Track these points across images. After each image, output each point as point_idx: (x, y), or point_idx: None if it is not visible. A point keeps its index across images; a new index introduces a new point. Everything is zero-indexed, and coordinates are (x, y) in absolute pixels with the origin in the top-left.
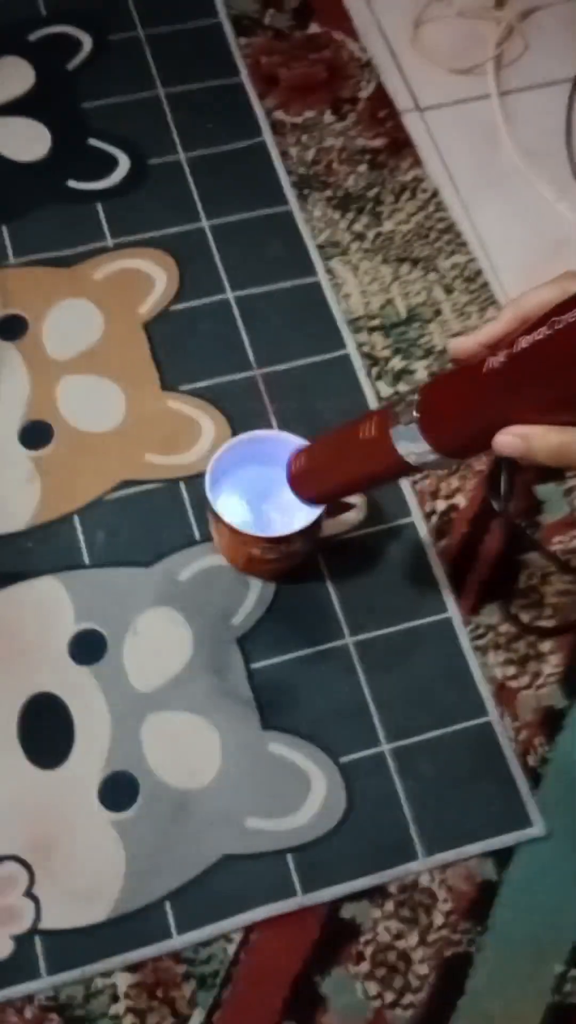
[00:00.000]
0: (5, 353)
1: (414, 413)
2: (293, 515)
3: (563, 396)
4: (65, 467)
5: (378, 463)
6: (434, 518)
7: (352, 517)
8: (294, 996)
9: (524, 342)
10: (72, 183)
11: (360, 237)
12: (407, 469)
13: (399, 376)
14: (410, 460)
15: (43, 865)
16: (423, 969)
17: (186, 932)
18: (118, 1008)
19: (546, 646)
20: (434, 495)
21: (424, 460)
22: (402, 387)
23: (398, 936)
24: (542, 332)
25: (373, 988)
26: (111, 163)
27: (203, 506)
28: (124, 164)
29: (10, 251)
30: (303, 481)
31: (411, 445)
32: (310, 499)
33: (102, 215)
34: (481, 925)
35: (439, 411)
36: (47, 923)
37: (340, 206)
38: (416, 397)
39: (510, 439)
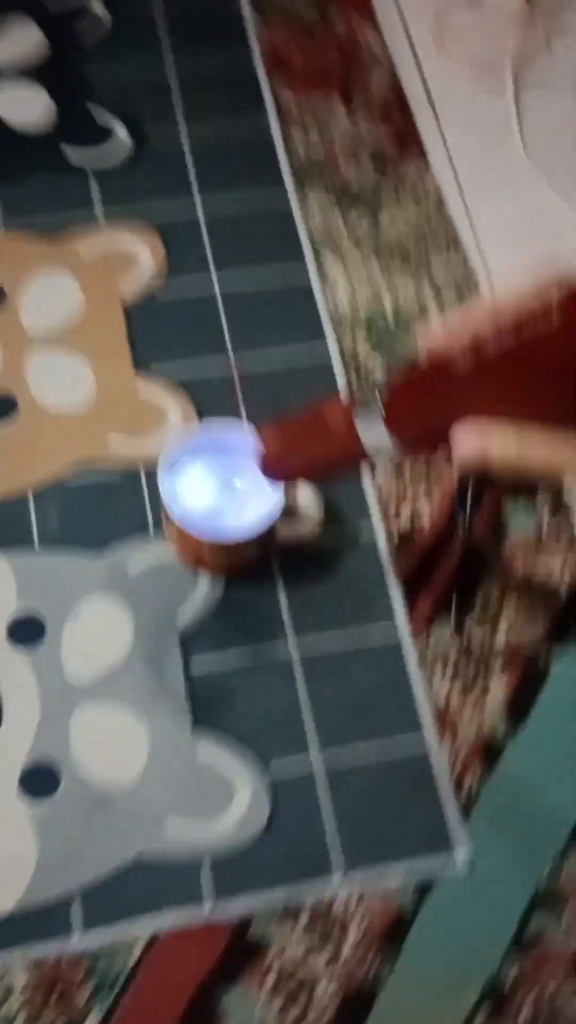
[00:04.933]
0: None
1: (380, 402)
2: (250, 509)
3: (528, 406)
4: (25, 443)
5: (339, 448)
6: (396, 529)
7: (309, 525)
8: (192, 1008)
9: (493, 348)
10: (69, 154)
11: (355, 232)
12: (366, 458)
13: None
14: (370, 449)
15: None
16: (327, 994)
17: (91, 931)
18: (10, 1006)
19: (495, 670)
20: (398, 506)
21: (383, 451)
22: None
23: (306, 956)
24: (511, 340)
25: (274, 1009)
26: (111, 136)
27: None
28: (124, 138)
29: None
30: (270, 462)
31: (373, 434)
32: (276, 479)
33: (95, 189)
34: (393, 953)
35: (404, 406)
36: None
37: (338, 198)
38: (383, 387)
39: (470, 440)
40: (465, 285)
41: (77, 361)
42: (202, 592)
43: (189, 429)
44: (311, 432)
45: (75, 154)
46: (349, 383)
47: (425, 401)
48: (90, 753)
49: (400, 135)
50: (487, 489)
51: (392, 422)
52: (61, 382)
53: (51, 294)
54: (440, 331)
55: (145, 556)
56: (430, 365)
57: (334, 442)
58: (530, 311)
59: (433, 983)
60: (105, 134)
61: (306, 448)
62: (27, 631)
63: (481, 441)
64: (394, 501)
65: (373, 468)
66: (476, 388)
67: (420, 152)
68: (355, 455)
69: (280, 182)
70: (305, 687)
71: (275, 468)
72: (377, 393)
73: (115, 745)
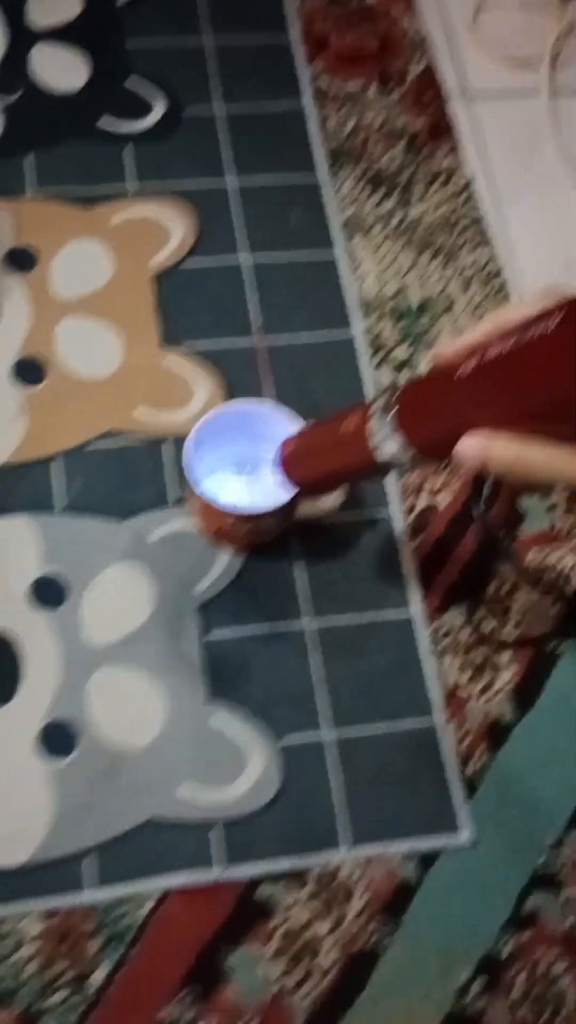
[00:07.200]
0: (11, 284)
1: (392, 410)
2: (271, 490)
3: (522, 407)
4: (53, 408)
5: (354, 456)
6: (413, 514)
7: (329, 502)
8: (198, 965)
9: (491, 353)
10: (104, 121)
11: (385, 219)
12: (379, 466)
13: (401, 366)
14: (382, 456)
15: None
16: (329, 959)
17: (103, 887)
18: (22, 953)
19: (503, 658)
20: (417, 491)
21: (395, 458)
22: (402, 378)
23: (309, 923)
24: (508, 345)
25: (276, 971)
26: (146, 106)
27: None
28: (159, 109)
29: (31, 181)
30: (289, 465)
31: (385, 441)
32: (294, 484)
33: (129, 158)
34: (394, 923)
35: (414, 411)
36: None
37: (370, 183)
38: (397, 395)
39: (471, 444)
40: (492, 277)
41: (106, 329)
42: (222, 565)
43: (216, 405)
44: (326, 438)
45: (112, 125)
46: (374, 371)
47: (432, 405)
48: (107, 715)
49: (434, 125)
50: (504, 480)
51: (403, 428)
52: (90, 350)
53: (82, 261)
54: (449, 348)
55: (166, 527)
56: (436, 372)
57: (349, 448)
58: (529, 318)
59: (431, 954)
60: (144, 107)
61: (320, 455)
62: (49, 593)
63: (482, 446)
64: (413, 488)
65: (392, 475)
66: (477, 389)
67: (453, 143)
68: (369, 462)
69: (312, 164)
70: (319, 663)
71: (291, 474)
72: (390, 400)
73: (131, 709)
